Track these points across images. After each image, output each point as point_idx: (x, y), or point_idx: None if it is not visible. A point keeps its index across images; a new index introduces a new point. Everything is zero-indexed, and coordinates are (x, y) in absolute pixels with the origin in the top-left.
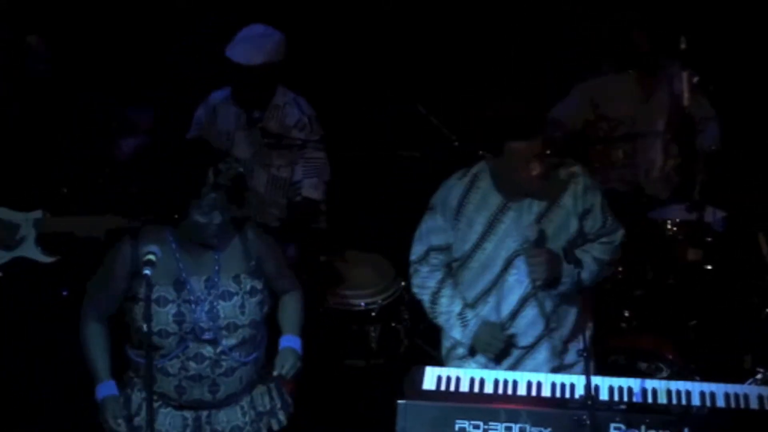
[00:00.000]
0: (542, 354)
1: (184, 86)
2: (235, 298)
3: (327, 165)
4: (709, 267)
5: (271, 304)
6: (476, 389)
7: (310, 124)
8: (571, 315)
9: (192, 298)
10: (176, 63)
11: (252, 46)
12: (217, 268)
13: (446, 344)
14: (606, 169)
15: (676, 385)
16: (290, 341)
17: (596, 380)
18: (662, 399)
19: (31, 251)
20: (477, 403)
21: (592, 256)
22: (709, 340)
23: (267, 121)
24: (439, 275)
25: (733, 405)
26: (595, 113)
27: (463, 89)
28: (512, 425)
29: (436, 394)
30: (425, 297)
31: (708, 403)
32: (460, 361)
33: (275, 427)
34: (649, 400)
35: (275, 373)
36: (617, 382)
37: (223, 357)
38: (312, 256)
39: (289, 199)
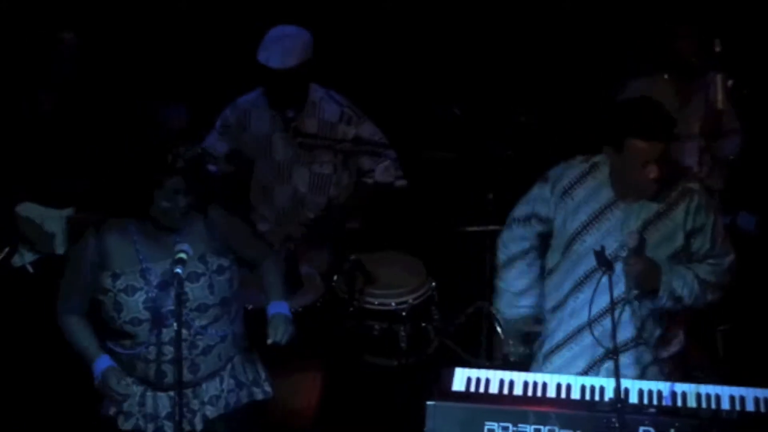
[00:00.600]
0: (626, 360)
1: (213, 87)
2: (203, 279)
3: (386, 141)
4: (743, 270)
5: (240, 279)
6: (506, 391)
7: (354, 113)
8: (662, 327)
9: (159, 283)
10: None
11: (284, 49)
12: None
13: (539, 344)
14: None
15: (705, 388)
16: (278, 307)
17: (626, 383)
18: (692, 403)
19: (62, 249)
20: (506, 405)
21: (695, 273)
22: (741, 344)
23: (304, 119)
24: (525, 245)
25: (762, 409)
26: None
27: (495, 90)
28: (541, 427)
29: (465, 396)
30: (501, 256)
31: (738, 407)
32: (545, 360)
33: (259, 396)
34: (679, 403)
35: (269, 341)
36: (647, 385)
37: (198, 337)
38: (343, 255)
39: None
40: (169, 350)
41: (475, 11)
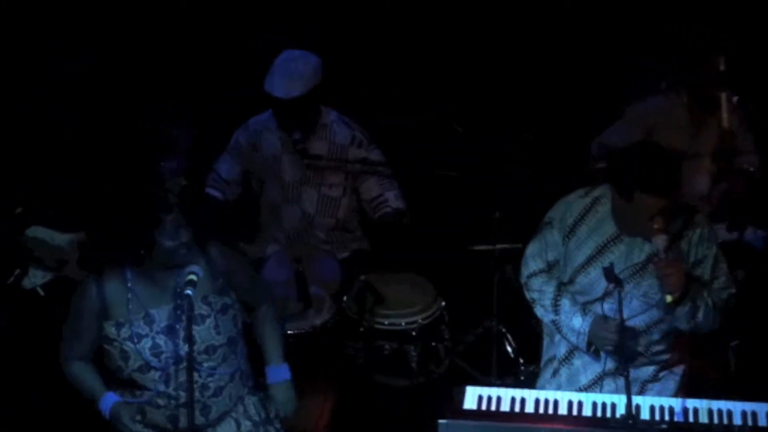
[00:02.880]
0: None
1: (222, 108)
2: (208, 320)
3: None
4: (751, 286)
5: (243, 314)
6: (517, 408)
7: (364, 137)
8: (667, 346)
9: (165, 327)
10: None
11: (289, 78)
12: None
13: (545, 357)
14: None
15: (717, 404)
16: (278, 373)
17: (637, 399)
18: (704, 418)
19: (73, 272)
20: (518, 423)
21: (707, 299)
22: (752, 359)
23: (315, 141)
24: (555, 282)
25: None
26: (646, 139)
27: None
28: None
29: (477, 414)
30: (546, 301)
31: (750, 423)
32: (555, 374)
33: None
34: (691, 419)
35: (274, 416)
36: (658, 401)
37: (209, 379)
38: (353, 275)
39: (373, 218)
40: (180, 395)
41: (474, 14)
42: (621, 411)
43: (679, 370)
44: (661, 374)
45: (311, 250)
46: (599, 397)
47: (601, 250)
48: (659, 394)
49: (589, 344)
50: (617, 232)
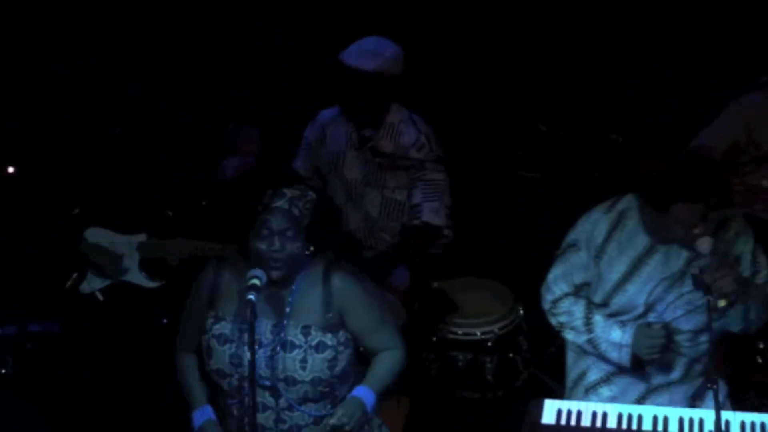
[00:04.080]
0: (675, 395)
1: (289, 105)
2: (297, 351)
3: (448, 188)
4: None
5: (349, 360)
6: (598, 424)
7: (429, 143)
8: (713, 358)
9: (254, 341)
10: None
11: (367, 51)
12: (288, 310)
13: (573, 374)
14: (750, 195)
15: None
16: (360, 391)
17: (726, 415)
18: None
19: (134, 276)
20: None
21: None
22: None
23: (380, 139)
24: (583, 301)
25: None
26: (747, 137)
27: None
28: None
29: (556, 429)
30: (577, 321)
31: None
32: (589, 392)
33: None
34: None
35: (331, 422)
36: (750, 417)
37: (287, 413)
38: (424, 282)
39: (404, 223)
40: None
41: (473, 13)
42: (709, 427)
43: (721, 380)
44: (707, 385)
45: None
46: (686, 413)
47: (636, 265)
48: (709, 406)
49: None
50: (650, 244)
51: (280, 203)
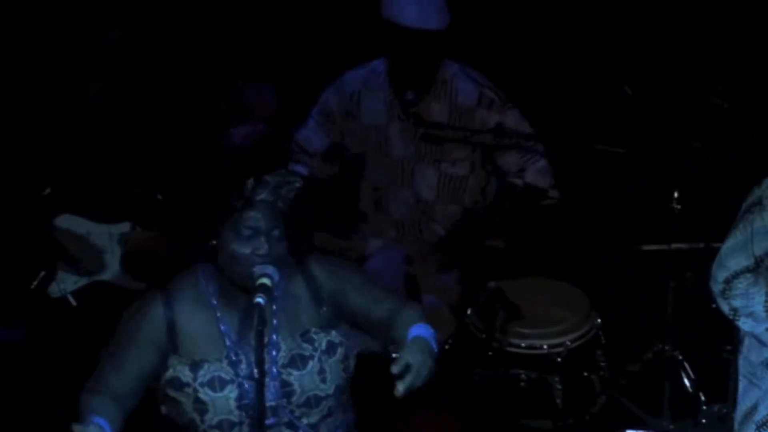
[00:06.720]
0: None
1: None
2: (311, 363)
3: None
4: None
5: (354, 356)
6: None
7: (498, 96)
8: None
9: (251, 372)
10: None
11: (429, 7)
12: (275, 323)
13: (742, 407)
14: None
15: None
16: (420, 329)
17: None
18: None
19: (115, 275)
20: None
21: None
22: None
23: (431, 102)
24: (765, 282)
25: None
26: None
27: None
28: None
29: None
30: (757, 306)
31: None
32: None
33: None
34: None
35: (399, 390)
36: None
37: None
38: (479, 281)
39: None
40: None
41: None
42: None
43: None
44: None
45: (426, 248)
46: None
47: None
48: None
49: None
50: None
51: (264, 195)
